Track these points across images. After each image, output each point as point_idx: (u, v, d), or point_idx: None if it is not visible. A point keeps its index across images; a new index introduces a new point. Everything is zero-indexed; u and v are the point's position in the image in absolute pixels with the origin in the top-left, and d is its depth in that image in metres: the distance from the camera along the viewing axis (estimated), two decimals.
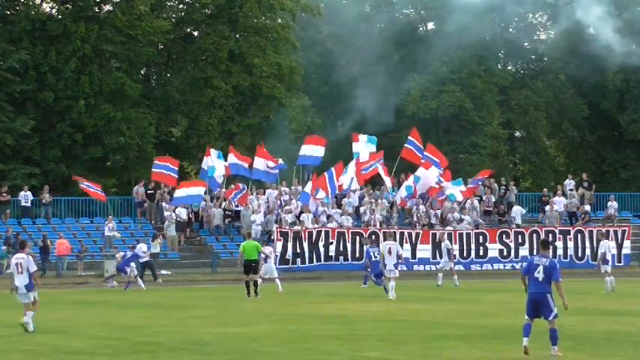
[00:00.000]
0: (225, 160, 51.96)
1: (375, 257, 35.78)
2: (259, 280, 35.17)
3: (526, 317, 17.98)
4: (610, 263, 36.66)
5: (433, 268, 48.03)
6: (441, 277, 40.00)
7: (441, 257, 41.98)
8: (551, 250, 17.80)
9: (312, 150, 52.85)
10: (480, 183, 53.89)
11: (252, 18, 62.90)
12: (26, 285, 22.77)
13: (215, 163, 51.36)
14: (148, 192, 52.79)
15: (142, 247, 42.93)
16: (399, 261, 34.28)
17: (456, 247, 48.84)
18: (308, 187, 50.29)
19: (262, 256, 36.68)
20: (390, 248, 33.95)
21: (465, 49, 67.50)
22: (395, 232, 42.80)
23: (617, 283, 36.86)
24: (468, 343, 19.77)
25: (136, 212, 52.97)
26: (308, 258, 47.43)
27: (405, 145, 53.17)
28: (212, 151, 52.12)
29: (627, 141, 69.38)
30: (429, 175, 51.27)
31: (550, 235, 50.00)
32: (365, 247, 43.05)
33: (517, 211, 53.56)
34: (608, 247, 36.93)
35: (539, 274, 17.94)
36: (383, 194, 53.39)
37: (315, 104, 67.31)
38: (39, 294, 23.36)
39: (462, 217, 51.65)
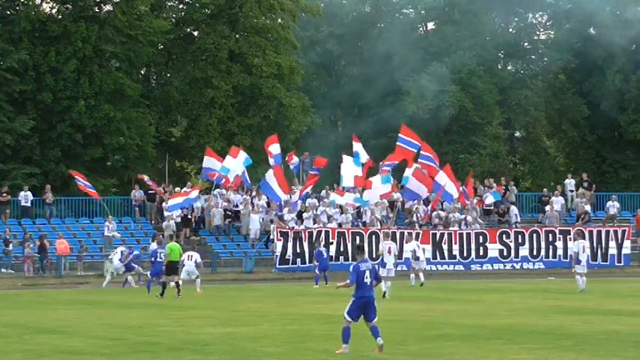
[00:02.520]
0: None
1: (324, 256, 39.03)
2: (180, 282, 35.73)
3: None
4: (583, 263, 36.32)
5: (434, 268, 48.09)
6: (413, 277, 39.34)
7: (442, 258, 41.86)
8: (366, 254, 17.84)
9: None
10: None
11: (252, 18, 62.91)
12: None
13: (233, 165, 50.82)
14: (149, 192, 52.76)
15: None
16: (398, 260, 34.87)
17: (456, 247, 48.87)
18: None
19: (183, 258, 36.99)
20: (389, 248, 34.37)
21: (465, 49, 67.52)
22: (394, 232, 42.68)
23: (615, 284, 36.97)
24: (467, 343, 19.77)
25: (146, 212, 52.91)
26: (308, 258, 47.40)
27: (397, 143, 51.90)
28: (241, 153, 51.45)
29: (627, 141, 69.35)
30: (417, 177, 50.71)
31: (550, 235, 49.99)
32: (316, 248, 43.26)
33: (513, 210, 53.48)
34: (582, 247, 36.66)
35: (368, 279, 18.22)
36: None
37: (315, 104, 67.31)
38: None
39: (463, 217, 51.61)
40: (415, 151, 50.72)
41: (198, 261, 38.35)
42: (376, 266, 18.44)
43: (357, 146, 52.67)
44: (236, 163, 50.57)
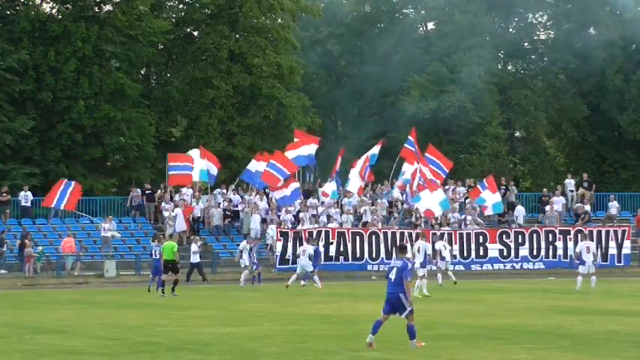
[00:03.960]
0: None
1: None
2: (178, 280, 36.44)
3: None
4: (587, 264, 36.74)
5: (433, 268, 47.96)
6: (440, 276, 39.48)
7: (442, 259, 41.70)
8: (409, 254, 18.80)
9: (305, 149, 51.66)
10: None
11: (252, 18, 62.92)
12: None
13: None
14: (146, 192, 52.73)
15: (192, 248, 43.00)
16: (427, 259, 35.40)
17: (457, 247, 48.83)
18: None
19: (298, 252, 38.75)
20: (419, 247, 35.38)
21: (465, 49, 67.52)
22: (428, 233, 42.74)
23: (615, 284, 36.99)
24: (468, 343, 19.77)
25: (143, 213, 52.82)
26: None
27: (405, 145, 52.57)
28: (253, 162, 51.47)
29: (627, 141, 69.37)
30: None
31: (550, 235, 49.97)
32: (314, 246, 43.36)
33: (520, 211, 53.55)
34: (585, 247, 37.27)
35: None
36: (383, 194, 53.40)
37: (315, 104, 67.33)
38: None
39: (463, 217, 51.62)
40: (417, 156, 50.83)
41: (311, 254, 39.49)
42: (409, 264, 19.12)
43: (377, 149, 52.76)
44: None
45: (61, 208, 49.32)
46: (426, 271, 35.01)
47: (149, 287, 38.41)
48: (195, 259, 43.28)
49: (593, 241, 43.89)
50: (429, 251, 36.47)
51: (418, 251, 35.23)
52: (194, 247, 43.27)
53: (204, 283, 43.10)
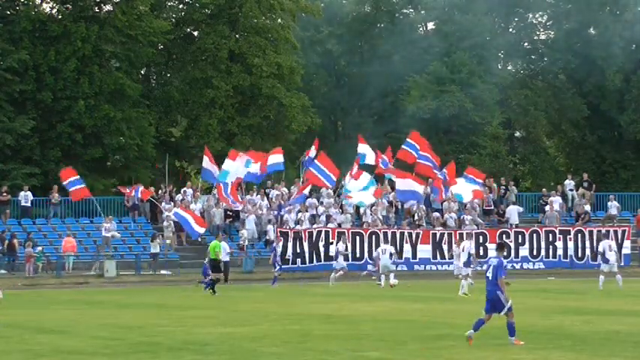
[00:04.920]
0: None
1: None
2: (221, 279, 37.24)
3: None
4: (611, 262, 37.21)
5: (433, 268, 48.06)
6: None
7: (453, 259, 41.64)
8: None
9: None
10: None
11: (252, 18, 62.92)
12: None
13: (235, 169, 50.71)
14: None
15: (225, 247, 43.10)
16: (470, 259, 35.94)
17: (456, 247, 48.79)
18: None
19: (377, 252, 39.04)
20: (463, 247, 36.08)
21: (465, 49, 67.54)
22: (471, 234, 42.77)
23: (615, 284, 36.93)
24: (468, 343, 19.75)
25: (140, 213, 52.79)
26: (308, 258, 47.39)
27: (402, 146, 52.23)
28: (240, 157, 51.33)
29: (627, 141, 69.37)
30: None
31: (550, 235, 49.97)
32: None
33: (512, 210, 53.32)
34: (608, 246, 38.19)
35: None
36: (383, 194, 53.34)
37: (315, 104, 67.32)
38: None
39: (464, 217, 51.63)
40: (416, 155, 50.80)
41: (392, 252, 40.09)
42: (504, 262, 19.77)
43: (363, 147, 52.51)
44: (236, 167, 50.28)
45: (70, 190, 49.07)
46: (471, 270, 35.51)
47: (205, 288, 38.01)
48: (225, 258, 43.02)
49: (612, 240, 44.13)
50: (473, 251, 37.33)
51: (463, 251, 35.87)
52: (226, 247, 43.24)
53: (224, 284, 42.74)
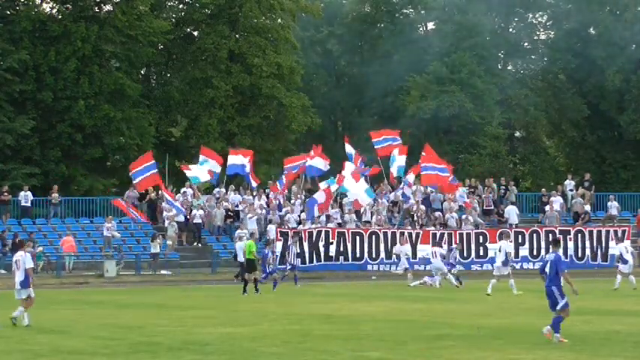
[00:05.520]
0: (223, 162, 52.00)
1: None
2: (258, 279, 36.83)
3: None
4: (630, 263, 38.49)
5: (517, 267, 47.87)
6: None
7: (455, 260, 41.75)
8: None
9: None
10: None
11: (252, 18, 62.93)
12: (21, 281, 23.65)
13: (196, 172, 51.10)
14: (140, 192, 52.65)
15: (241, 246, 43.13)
16: (508, 259, 36.15)
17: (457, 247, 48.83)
18: (319, 195, 49.61)
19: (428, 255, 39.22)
20: (500, 247, 36.22)
21: (465, 49, 67.55)
22: (508, 232, 42.81)
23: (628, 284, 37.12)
24: (468, 343, 19.77)
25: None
26: (308, 258, 47.36)
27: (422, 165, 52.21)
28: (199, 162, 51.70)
29: (627, 141, 69.36)
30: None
31: (550, 235, 49.95)
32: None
33: (511, 210, 53.31)
34: (624, 248, 39.40)
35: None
36: (383, 194, 53.37)
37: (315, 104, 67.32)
38: (36, 292, 24.00)
39: (464, 217, 51.63)
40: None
41: (443, 254, 40.18)
42: (562, 258, 20.17)
43: (349, 148, 52.83)
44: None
45: (135, 181, 49.42)
46: (509, 270, 35.71)
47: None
48: (240, 258, 42.94)
49: (628, 241, 44.60)
50: (511, 250, 37.65)
51: (499, 250, 36.13)
52: (242, 244, 43.22)
53: (237, 283, 42.65)
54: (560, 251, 20.39)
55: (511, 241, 41.62)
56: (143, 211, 52.69)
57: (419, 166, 51.65)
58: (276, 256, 43.76)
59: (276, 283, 39.42)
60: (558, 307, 19.65)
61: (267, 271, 38.82)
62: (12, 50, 54.60)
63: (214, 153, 52.77)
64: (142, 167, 49.36)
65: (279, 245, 47.19)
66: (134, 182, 50.07)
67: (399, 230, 49.19)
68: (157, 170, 49.79)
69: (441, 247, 42.55)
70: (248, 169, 51.92)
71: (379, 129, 57.28)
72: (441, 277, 39.67)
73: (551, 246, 20.90)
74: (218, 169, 52.01)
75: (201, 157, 52.04)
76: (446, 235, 48.77)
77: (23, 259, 23.60)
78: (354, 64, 76.07)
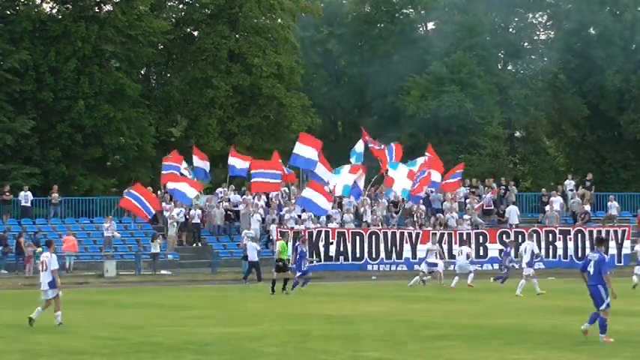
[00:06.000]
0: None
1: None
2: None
3: None
4: None
5: (433, 268, 47.93)
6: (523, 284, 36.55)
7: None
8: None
9: (307, 151, 50.58)
10: (458, 178, 53.47)
11: (252, 18, 62.94)
12: (49, 282, 23.86)
13: (184, 189, 50.93)
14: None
15: (253, 245, 43.33)
16: (533, 259, 36.27)
17: (456, 247, 48.79)
18: (307, 192, 49.35)
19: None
20: (526, 248, 36.38)
21: (465, 49, 67.55)
22: (535, 232, 42.89)
23: (615, 284, 36.75)
24: (468, 343, 19.77)
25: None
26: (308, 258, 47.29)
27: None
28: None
29: (627, 141, 69.39)
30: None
31: (550, 235, 49.96)
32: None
33: (512, 210, 53.28)
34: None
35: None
36: (383, 194, 53.38)
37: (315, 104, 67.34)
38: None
39: (463, 217, 51.65)
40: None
41: (469, 253, 40.38)
42: (606, 258, 20.13)
43: (360, 146, 52.82)
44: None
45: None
46: (533, 270, 35.78)
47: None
48: (253, 257, 43.02)
49: None
50: (537, 251, 37.92)
51: (525, 252, 36.19)
52: (257, 246, 43.34)
53: (253, 283, 42.68)
54: (603, 250, 20.28)
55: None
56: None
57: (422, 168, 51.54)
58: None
59: (297, 283, 39.17)
60: (602, 307, 19.67)
61: (303, 269, 38.64)
62: (12, 50, 54.60)
63: (198, 151, 52.86)
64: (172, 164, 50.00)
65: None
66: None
67: (399, 230, 49.21)
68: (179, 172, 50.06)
69: (469, 246, 42.64)
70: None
71: (380, 129, 57.51)
72: (459, 277, 39.59)
73: (595, 245, 20.98)
74: (207, 167, 52.08)
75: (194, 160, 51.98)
76: (446, 235, 48.80)
77: (49, 260, 23.83)
78: (354, 64, 76.06)
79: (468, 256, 40.47)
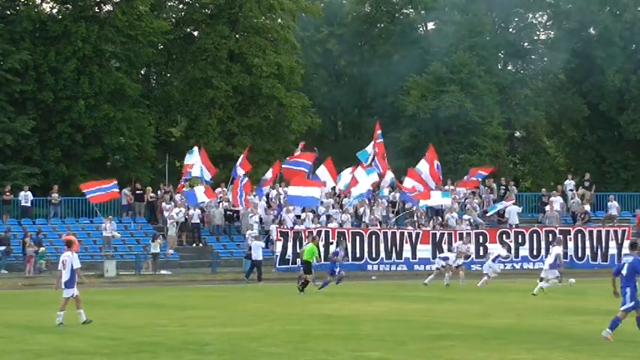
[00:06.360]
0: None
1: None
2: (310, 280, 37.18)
3: None
4: None
5: (433, 268, 47.97)
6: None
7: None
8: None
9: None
10: (479, 179, 53.99)
11: (252, 18, 62.93)
12: (66, 281, 24.16)
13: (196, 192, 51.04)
14: (137, 192, 52.65)
15: (257, 243, 43.34)
16: (557, 262, 36.51)
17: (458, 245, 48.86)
18: (293, 190, 49.49)
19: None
20: (551, 251, 37.22)
21: (465, 49, 67.54)
22: (561, 239, 42.84)
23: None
24: (468, 343, 19.77)
25: (134, 213, 52.69)
26: None
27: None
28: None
29: (627, 141, 69.40)
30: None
31: (550, 235, 49.95)
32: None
33: (512, 211, 53.29)
34: None
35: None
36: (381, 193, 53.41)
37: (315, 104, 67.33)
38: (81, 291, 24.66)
39: (463, 217, 51.67)
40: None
41: (503, 255, 40.60)
42: None
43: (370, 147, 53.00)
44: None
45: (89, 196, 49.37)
46: (557, 272, 36.16)
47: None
48: (257, 256, 43.06)
49: None
50: (561, 252, 38.05)
51: (550, 254, 36.91)
52: (261, 243, 43.35)
53: (254, 283, 42.66)
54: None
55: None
56: (140, 211, 52.59)
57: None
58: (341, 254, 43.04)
59: (328, 282, 39.12)
60: (623, 308, 19.83)
61: (335, 269, 38.67)
62: (12, 50, 54.61)
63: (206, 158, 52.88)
64: (98, 187, 49.13)
65: (279, 245, 47.27)
66: (88, 197, 49.64)
67: (399, 230, 49.23)
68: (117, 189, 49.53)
69: (503, 246, 42.69)
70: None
71: (380, 129, 57.40)
72: (487, 278, 39.59)
73: (629, 249, 21.25)
74: (208, 176, 52.18)
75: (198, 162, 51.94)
76: (446, 235, 48.82)
77: (70, 259, 24.03)
78: (354, 64, 76.05)
79: (495, 258, 40.38)
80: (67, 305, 24.12)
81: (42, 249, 46.52)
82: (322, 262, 43.05)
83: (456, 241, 47.21)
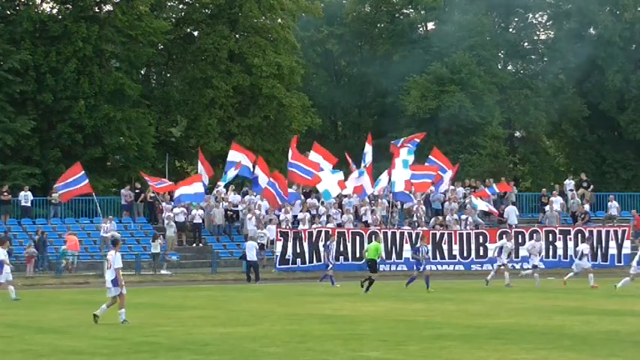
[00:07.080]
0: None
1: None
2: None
3: None
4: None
5: (433, 268, 48.01)
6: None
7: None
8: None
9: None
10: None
11: (252, 18, 62.97)
12: (112, 280, 24.32)
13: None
14: (136, 191, 52.68)
15: (252, 244, 43.31)
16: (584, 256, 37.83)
17: (457, 247, 48.84)
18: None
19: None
20: (582, 249, 38.27)
21: (465, 49, 67.56)
22: (592, 235, 43.17)
23: (615, 284, 36.93)
24: (468, 343, 19.76)
25: (133, 212, 52.67)
26: (308, 258, 47.37)
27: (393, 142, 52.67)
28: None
29: (627, 141, 69.44)
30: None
31: (550, 235, 49.96)
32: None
33: (510, 211, 53.28)
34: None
35: None
36: (383, 194, 53.35)
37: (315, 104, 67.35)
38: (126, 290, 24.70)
39: (462, 217, 51.67)
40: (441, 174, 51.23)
41: (586, 253, 39.98)
42: None
43: (368, 148, 52.52)
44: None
45: (57, 193, 48.90)
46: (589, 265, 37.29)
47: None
48: (252, 257, 43.11)
49: None
50: (587, 251, 38.72)
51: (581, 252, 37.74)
52: (254, 244, 43.41)
53: (253, 283, 42.62)
54: None
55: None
56: (139, 211, 52.56)
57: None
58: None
59: (327, 277, 39.60)
60: None
61: (420, 267, 38.80)
62: (12, 51, 54.63)
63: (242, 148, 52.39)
64: (69, 180, 48.15)
65: (279, 245, 47.26)
66: (59, 194, 48.88)
67: (399, 230, 49.21)
68: (87, 181, 48.30)
69: (587, 244, 42.61)
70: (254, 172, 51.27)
71: (380, 129, 57.57)
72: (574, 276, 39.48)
73: None
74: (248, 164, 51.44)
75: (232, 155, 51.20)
76: (446, 235, 48.82)
77: (114, 258, 24.27)
78: (354, 64, 76.08)
79: (581, 257, 39.82)
80: (122, 301, 24.32)
81: (63, 247, 46.47)
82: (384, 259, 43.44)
83: (456, 243, 47.24)
